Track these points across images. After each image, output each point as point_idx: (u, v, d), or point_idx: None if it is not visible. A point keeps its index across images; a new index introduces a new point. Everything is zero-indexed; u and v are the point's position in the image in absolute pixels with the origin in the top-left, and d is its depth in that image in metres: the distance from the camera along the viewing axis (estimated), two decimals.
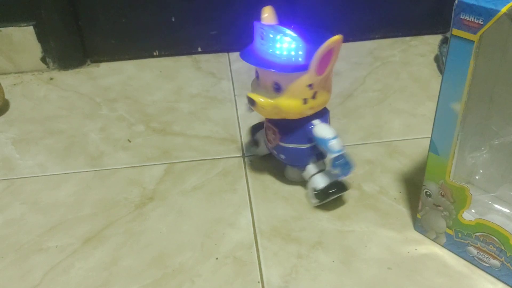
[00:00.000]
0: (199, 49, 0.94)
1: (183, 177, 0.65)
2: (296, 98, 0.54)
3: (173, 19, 0.90)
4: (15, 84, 0.87)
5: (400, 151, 0.67)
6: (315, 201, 0.58)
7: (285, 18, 0.59)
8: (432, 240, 0.54)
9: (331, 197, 0.58)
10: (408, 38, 0.97)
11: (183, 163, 0.68)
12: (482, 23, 0.39)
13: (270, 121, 0.60)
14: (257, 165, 0.66)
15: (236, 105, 0.80)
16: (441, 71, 0.85)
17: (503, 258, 0.48)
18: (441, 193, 0.50)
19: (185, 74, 0.89)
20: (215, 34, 0.93)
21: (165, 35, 0.92)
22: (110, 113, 0.79)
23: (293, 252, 0.53)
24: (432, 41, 0.96)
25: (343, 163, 0.55)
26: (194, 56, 0.94)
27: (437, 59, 0.89)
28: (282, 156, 0.60)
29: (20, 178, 0.66)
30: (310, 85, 0.53)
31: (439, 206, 0.51)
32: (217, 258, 0.53)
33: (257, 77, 0.57)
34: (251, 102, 0.55)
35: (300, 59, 0.52)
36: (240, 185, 0.63)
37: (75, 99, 0.82)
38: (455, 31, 0.41)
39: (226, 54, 0.94)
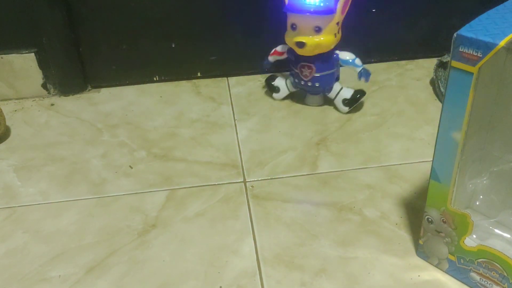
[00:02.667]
0: (199, 74, 0.95)
1: (185, 204, 0.65)
2: (331, 34, 0.77)
3: (173, 45, 0.92)
4: (16, 110, 0.88)
5: (400, 175, 0.68)
6: (345, 108, 0.82)
7: None
8: (434, 266, 0.54)
9: (358, 101, 0.82)
10: (403, 62, 0.99)
11: (185, 189, 0.68)
12: (481, 56, 0.40)
13: (306, 59, 0.80)
14: (258, 191, 0.67)
15: (236, 130, 0.80)
16: (437, 94, 0.87)
17: (506, 284, 0.48)
18: (442, 219, 0.50)
19: (185, 99, 0.90)
20: (214, 59, 0.94)
21: (165, 60, 0.93)
22: (112, 139, 0.79)
23: (297, 280, 0.53)
24: (427, 64, 0.97)
25: (366, 72, 0.81)
26: (193, 81, 0.95)
27: (432, 82, 0.90)
28: (317, 84, 0.82)
29: (21, 206, 0.66)
30: (337, 23, 0.77)
31: (441, 232, 0.51)
32: (221, 287, 0.53)
33: (294, 28, 0.77)
34: (302, 44, 0.76)
35: (330, 4, 0.75)
36: (242, 211, 0.64)
37: (76, 125, 0.83)
38: (455, 63, 0.42)
39: (225, 78, 0.96)
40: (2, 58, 0.87)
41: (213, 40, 0.92)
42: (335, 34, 0.77)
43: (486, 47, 0.39)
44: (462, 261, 0.51)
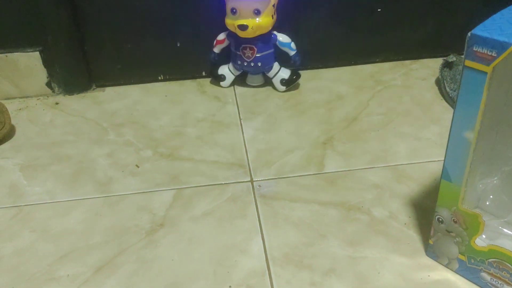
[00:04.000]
0: (204, 73, 0.95)
1: (192, 203, 0.65)
2: (268, 16, 0.82)
3: (178, 44, 0.91)
4: (20, 109, 0.88)
5: (407, 175, 0.68)
6: (283, 87, 0.89)
7: None
8: (444, 266, 0.54)
9: (294, 82, 0.89)
10: (408, 62, 0.99)
11: (192, 189, 0.68)
12: (495, 55, 0.40)
13: (247, 41, 0.85)
14: (266, 191, 0.67)
15: (242, 129, 0.80)
16: (442, 94, 0.87)
17: None
18: (453, 219, 0.50)
19: (190, 98, 0.90)
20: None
21: (170, 59, 0.93)
22: (117, 138, 0.79)
23: (306, 280, 0.53)
24: (432, 64, 0.97)
25: (298, 56, 0.88)
26: (198, 80, 0.95)
27: (438, 82, 0.90)
28: (259, 64, 0.87)
29: (28, 205, 0.66)
30: (273, 5, 0.83)
31: (452, 232, 0.51)
32: (230, 287, 0.53)
33: (234, 12, 0.82)
34: (244, 27, 0.80)
35: None
36: (250, 210, 0.64)
37: (82, 124, 0.83)
38: (468, 62, 0.42)
39: None
40: (6, 56, 0.87)
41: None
42: (272, 16, 0.83)
43: (501, 46, 0.39)
44: (472, 261, 0.51)
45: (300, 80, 0.93)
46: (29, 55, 0.87)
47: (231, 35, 0.87)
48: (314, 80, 0.94)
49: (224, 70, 0.91)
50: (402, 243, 0.57)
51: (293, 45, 0.87)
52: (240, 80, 0.93)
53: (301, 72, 0.96)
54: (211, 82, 0.94)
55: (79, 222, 0.63)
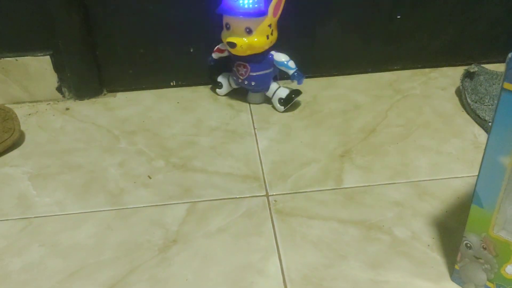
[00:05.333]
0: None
1: (206, 218, 0.63)
2: (262, 36, 0.78)
3: (191, 50, 0.89)
4: (30, 114, 0.86)
5: (430, 192, 0.66)
6: (281, 107, 0.84)
7: None
8: None
9: (292, 101, 0.84)
10: (427, 70, 0.96)
11: (206, 202, 0.66)
12: None
13: (241, 59, 0.81)
14: (282, 206, 0.64)
15: (256, 140, 0.78)
16: (463, 105, 0.84)
17: None
18: (483, 246, 0.48)
19: (203, 105, 0.87)
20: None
21: (182, 65, 0.91)
22: (129, 146, 0.77)
23: None
24: (452, 73, 0.95)
25: (299, 74, 0.82)
26: (211, 86, 0.93)
27: (459, 93, 0.87)
28: (253, 83, 0.84)
29: (38, 217, 0.64)
30: (269, 25, 0.79)
31: (480, 259, 0.49)
32: None
33: (228, 28, 0.79)
34: (233, 45, 0.77)
35: (261, 7, 0.76)
36: (266, 227, 0.61)
37: (93, 131, 0.81)
38: (507, 85, 0.40)
39: None
40: (17, 60, 0.85)
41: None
42: (267, 36, 0.79)
43: None
44: None
45: (316, 88, 0.91)
46: (39, 59, 0.85)
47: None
48: (330, 88, 0.91)
49: (223, 78, 0.88)
50: (426, 266, 0.55)
51: (291, 63, 0.82)
52: (240, 95, 0.89)
53: (316, 79, 0.94)
54: (211, 88, 0.92)
55: (90, 236, 0.61)
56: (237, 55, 0.81)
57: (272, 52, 0.82)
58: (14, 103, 0.88)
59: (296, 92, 0.84)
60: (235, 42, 0.77)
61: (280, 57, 0.82)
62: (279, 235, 0.60)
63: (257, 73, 0.82)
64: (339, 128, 0.80)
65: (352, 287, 0.53)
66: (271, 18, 0.78)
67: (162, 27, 0.87)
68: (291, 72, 0.82)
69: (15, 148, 0.77)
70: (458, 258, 0.51)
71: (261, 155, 0.75)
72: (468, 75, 0.86)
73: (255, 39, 0.78)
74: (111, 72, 0.90)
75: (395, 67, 0.96)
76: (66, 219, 0.64)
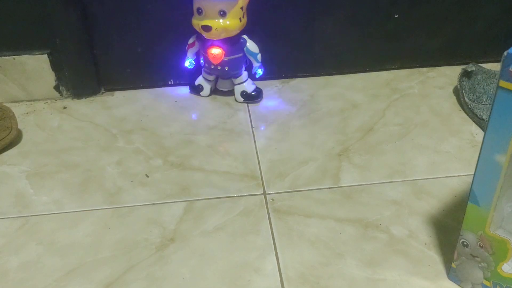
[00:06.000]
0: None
1: (203, 217, 0.63)
2: (235, 18, 0.78)
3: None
4: (27, 113, 0.86)
5: (427, 191, 0.66)
6: (241, 98, 0.86)
7: None
8: None
9: (252, 99, 0.86)
10: (425, 69, 0.96)
11: (203, 201, 0.66)
12: None
13: (214, 43, 0.82)
14: (280, 205, 0.65)
15: (254, 138, 0.78)
16: (461, 104, 0.84)
17: None
18: (479, 244, 0.48)
19: (200, 104, 0.87)
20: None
21: (180, 64, 0.91)
22: (127, 145, 0.77)
23: None
24: (450, 72, 0.95)
25: (261, 68, 0.87)
26: None
27: (456, 92, 0.88)
28: (226, 68, 0.84)
29: (35, 215, 0.64)
30: (242, 8, 0.79)
31: (477, 257, 0.49)
32: None
33: (200, 12, 0.78)
34: (208, 28, 0.77)
35: None
36: (263, 226, 0.61)
37: (90, 130, 0.81)
38: (503, 83, 0.40)
39: None
40: (14, 59, 0.85)
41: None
42: (240, 19, 0.79)
43: None
44: (498, 287, 0.48)
45: (313, 87, 0.91)
46: (37, 57, 0.85)
47: (199, 37, 0.83)
48: (327, 87, 0.91)
49: (200, 80, 0.88)
50: (423, 264, 0.55)
51: (259, 57, 0.84)
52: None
53: (314, 78, 0.94)
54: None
55: (87, 234, 0.61)
56: (209, 40, 0.81)
57: (244, 37, 0.83)
58: (11, 102, 0.88)
59: (259, 94, 0.86)
60: (210, 25, 0.77)
61: (253, 48, 0.84)
62: (276, 234, 0.60)
63: (230, 57, 0.83)
64: (336, 127, 0.80)
65: (349, 285, 0.53)
66: (243, 1, 0.78)
67: (160, 26, 0.87)
68: (256, 64, 0.85)
69: (13, 146, 0.77)
70: (455, 257, 0.51)
71: (258, 154, 0.75)
72: (466, 74, 0.86)
73: (230, 22, 0.78)
74: (108, 71, 0.90)
75: (393, 66, 0.96)
76: (64, 218, 0.64)
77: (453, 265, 0.52)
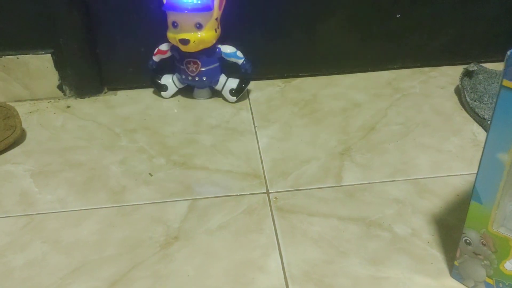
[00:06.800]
0: None
1: (207, 215, 0.64)
2: (211, 30, 0.80)
3: None
4: (31, 112, 0.86)
5: (430, 190, 0.66)
6: (233, 97, 0.86)
7: None
8: None
9: (243, 90, 0.86)
10: (427, 69, 0.97)
11: (207, 200, 0.66)
12: None
13: (190, 56, 0.82)
14: (283, 203, 0.65)
15: (257, 137, 0.78)
16: (463, 104, 0.85)
17: None
18: (482, 242, 0.48)
19: (203, 103, 0.88)
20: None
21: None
22: (130, 144, 0.77)
23: None
24: (452, 72, 0.95)
25: (248, 62, 0.84)
26: None
27: (458, 92, 0.88)
28: (204, 78, 0.85)
29: (40, 214, 0.64)
30: (216, 19, 0.80)
31: (479, 255, 0.49)
32: None
33: (176, 26, 0.79)
34: (186, 41, 0.78)
35: (208, 2, 0.78)
36: (267, 224, 0.62)
37: (94, 129, 0.81)
38: (506, 82, 0.40)
39: None
40: (18, 58, 0.85)
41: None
42: (215, 30, 0.81)
43: None
44: (501, 285, 0.49)
45: (316, 87, 0.91)
46: (40, 57, 0.86)
47: (175, 48, 0.84)
48: (329, 86, 0.92)
49: (167, 80, 0.88)
50: (425, 262, 0.55)
51: (239, 53, 0.84)
52: (187, 93, 0.89)
53: (316, 78, 0.95)
54: (153, 92, 0.91)
55: (92, 233, 0.61)
56: (185, 53, 0.82)
57: (219, 46, 0.83)
58: (15, 101, 0.88)
59: (245, 81, 0.86)
60: (188, 38, 0.78)
61: (227, 49, 0.83)
62: (280, 232, 0.60)
63: (208, 68, 0.84)
64: (339, 126, 0.80)
65: (352, 283, 0.53)
66: (217, 12, 0.79)
67: (162, 25, 0.87)
68: (240, 61, 0.84)
69: (17, 145, 0.77)
70: (458, 255, 0.52)
71: (261, 153, 0.75)
72: (467, 74, 0.87)
73: (205, 34, 0.79)
74: (112, 70, 0.90)
75: (395, 66, 0.97)
76: (68, 216, 0.64)
77: (456, 263, 0.52)
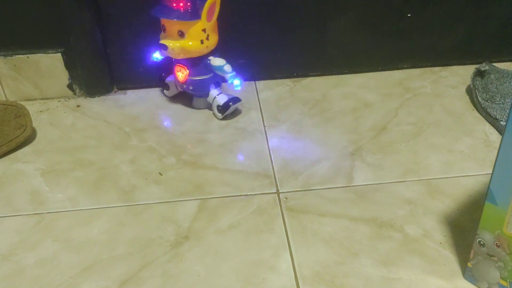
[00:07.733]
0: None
1: (217, 215, 0.63)
2: (196, 40, 0.77)
3: None
4: (41, 111, 0.86)
5: (441, 190, 0.66)
6: (219, 114, 0.82)
7: None
8: None
9: (230, 108, 0.82)
10: (437, 69, 0.96)
11: (217, 199, 0.66)
12: None
13: (180, 62, 0.81)
14: (293, 203, 0.65)
15: (266, 137, 0.78)
16: (474, 104, 0.84)
17: None
18: (496, 243, 0.48)
19: None
20: (242, 63, 0.92)
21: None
22: (140, 143, 0.77)
23: None
24: (462, 72, 0.94)
25: (236, 78, 0.81)
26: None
27: (469, 91, 0.87)
28: (191, 88, 0.82)
29: (50, 212, 0.65)
30: (203, 30, 0.77)
31: (493, 256, 0.49)
32: None
33: (164, 30, 0.78)
34: (164, 47, 0.77)
35: (193, 11, 0.75)
36: (277, 224, 0.62)
37: (104, 128, 0.81)
38: None
39: (253, 82, 0.93)
40: (28, 57, 0.85)
41: (241, 43, 0.90)
42: (201, 41, 0.77)
43: None
44: None
45: (326, 86, 0.91)
46: (50, 56, 0.86)
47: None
48: (340, 86, 0.91)
49: (171, 80, 0.87)
50: (438, 264, 0.55)
51: (227, 67, 0.79)
52: (188, 99, 0.87)
53: (326, 77, 0.94)
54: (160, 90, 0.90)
55: (102, 232, 0.61)
56: (177, 58, 0.80)
57: (210, 57, 0.80)
58: (25, 100, 0.89)
59: (234, 100, 0.82)
60: (166, 44, 0.76)
61: (216, 61, 0.80)
62: (290, 232, 0.60)
63: (195, 78, 0.81)
64: (349, 126, 0.80)
65: (364, 284, 0.53)
66: (205, 23, 0.76)
67: None
68: (227, 76, 0.80)
69: (27, 144, 0.78)
70: (471, 256, 0.51)
71: (271, 153, 0.75)
72: (479, 74, 0.86)
73: (190, 43, 0.76)
74: (121, 69, 0.90)
75: (405, 65, 0.96)
76: (79, 215, 0.64)
77: (469, 264, 0.52)
